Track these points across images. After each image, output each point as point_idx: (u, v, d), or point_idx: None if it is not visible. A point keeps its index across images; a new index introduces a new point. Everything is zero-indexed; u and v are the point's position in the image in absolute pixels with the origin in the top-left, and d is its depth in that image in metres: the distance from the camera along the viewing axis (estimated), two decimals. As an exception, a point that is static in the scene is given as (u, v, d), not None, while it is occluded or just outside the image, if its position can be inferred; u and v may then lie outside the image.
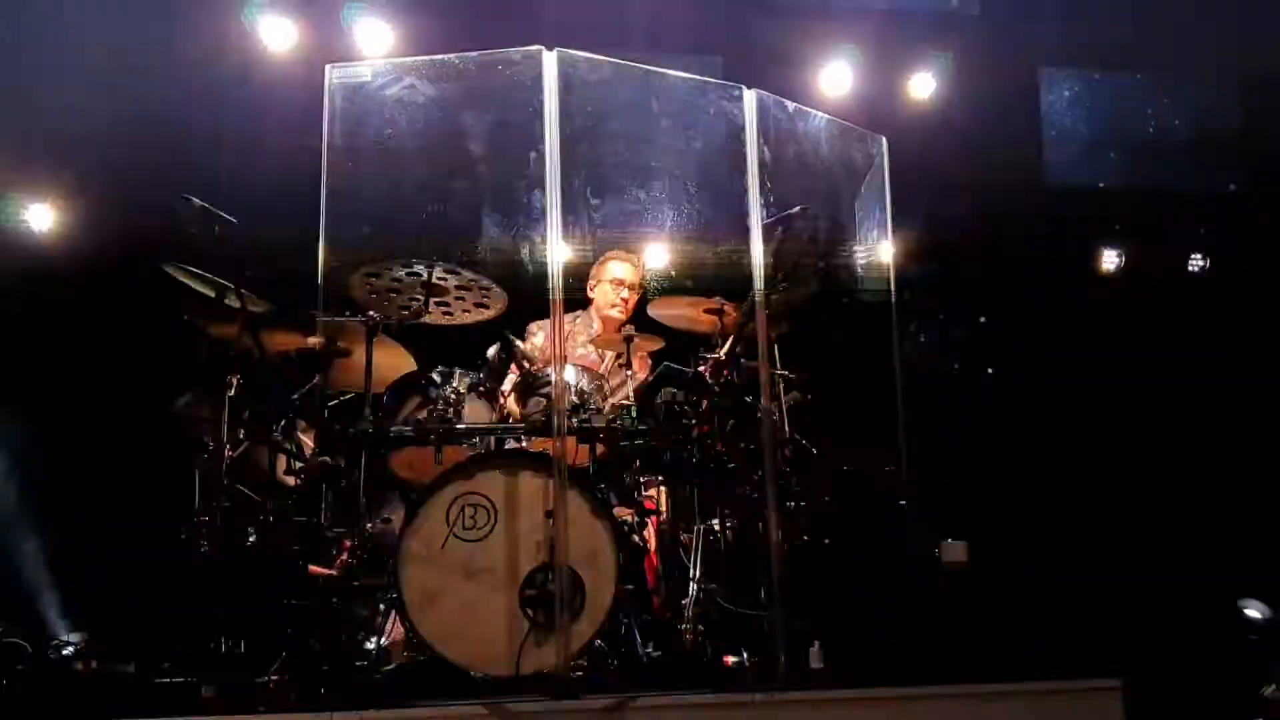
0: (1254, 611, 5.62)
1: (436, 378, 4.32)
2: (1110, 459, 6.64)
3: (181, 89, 6.19)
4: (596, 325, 5.44)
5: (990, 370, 7.29)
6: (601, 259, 5.54)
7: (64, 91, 6.09)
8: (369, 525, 4.20)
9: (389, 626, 4.06)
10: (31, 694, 3.71)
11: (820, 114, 4.74)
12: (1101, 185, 7.73)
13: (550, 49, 3.96)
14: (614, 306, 5.45)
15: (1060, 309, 7.13)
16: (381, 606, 4.06)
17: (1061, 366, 6.98)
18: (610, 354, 5.26)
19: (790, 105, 4.44)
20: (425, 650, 3.85)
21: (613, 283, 5.50)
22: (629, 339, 4.53)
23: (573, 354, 5.25)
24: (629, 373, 4.43)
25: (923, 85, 7.02)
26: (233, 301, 4.32)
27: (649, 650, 4.21)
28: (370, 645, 4.04)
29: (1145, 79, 7.77)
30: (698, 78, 4.54)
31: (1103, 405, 6.75)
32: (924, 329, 7.08)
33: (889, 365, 4.76)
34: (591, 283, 5.58)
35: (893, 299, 4.88)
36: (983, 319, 7.39)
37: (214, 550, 4.27)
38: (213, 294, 4.38)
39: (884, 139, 4.70)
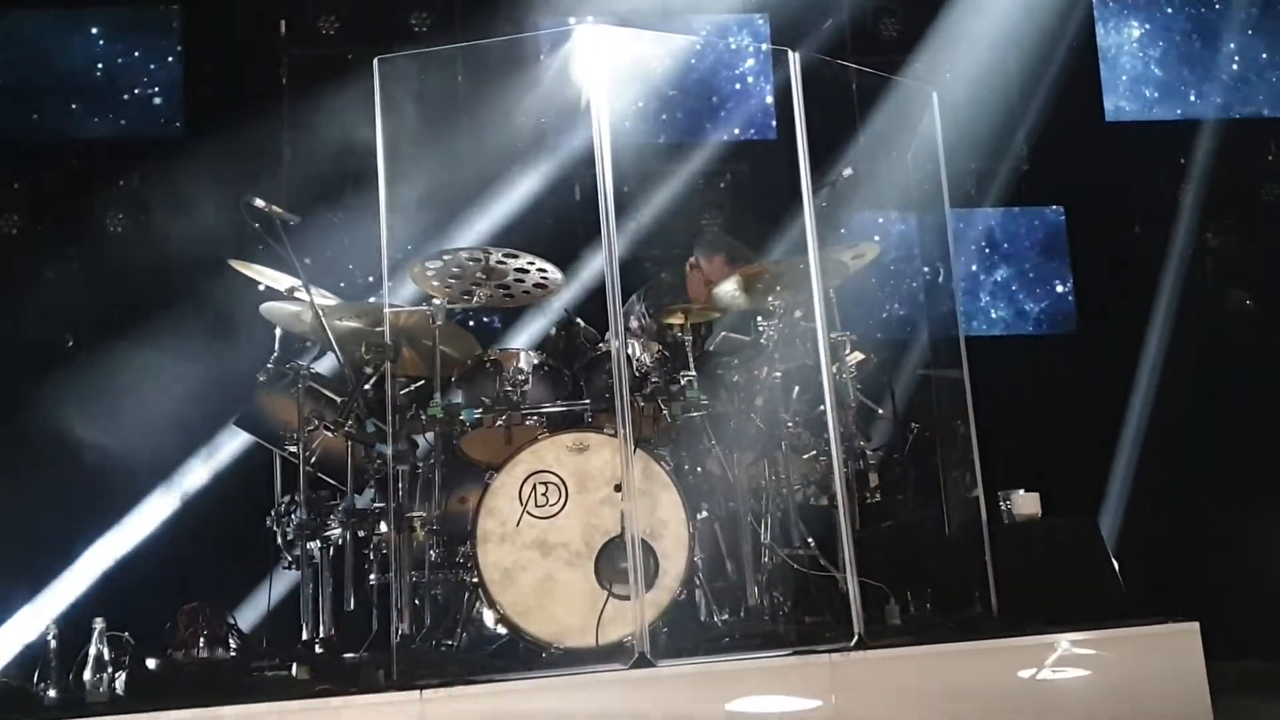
0: None
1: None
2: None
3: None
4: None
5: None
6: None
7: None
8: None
9: (470, 605, 4.17)
10: (141, 684, 3.86)
11: (867, 70, 4.69)
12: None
13: (592, 23, 3.95)
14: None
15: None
16: (463, 586, 4.18)
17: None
18: None
19: (835, 64, 4.39)
20: (506, 626, 3.96)
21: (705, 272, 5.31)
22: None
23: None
24: (687, 339, 4.46)
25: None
26: (302, 295, 4.42)
27: (725, 616, 4.28)
28: (455, 623, 4.17)
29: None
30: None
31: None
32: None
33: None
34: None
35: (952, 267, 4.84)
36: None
37: (298, 536, 4.42)
38: (282, 288, 4.50)
39: (934, 93, 4.63)
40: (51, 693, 3.65)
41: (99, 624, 3.72)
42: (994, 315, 7.19)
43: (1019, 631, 3.83)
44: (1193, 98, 7.47)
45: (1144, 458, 6.71)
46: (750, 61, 7.08)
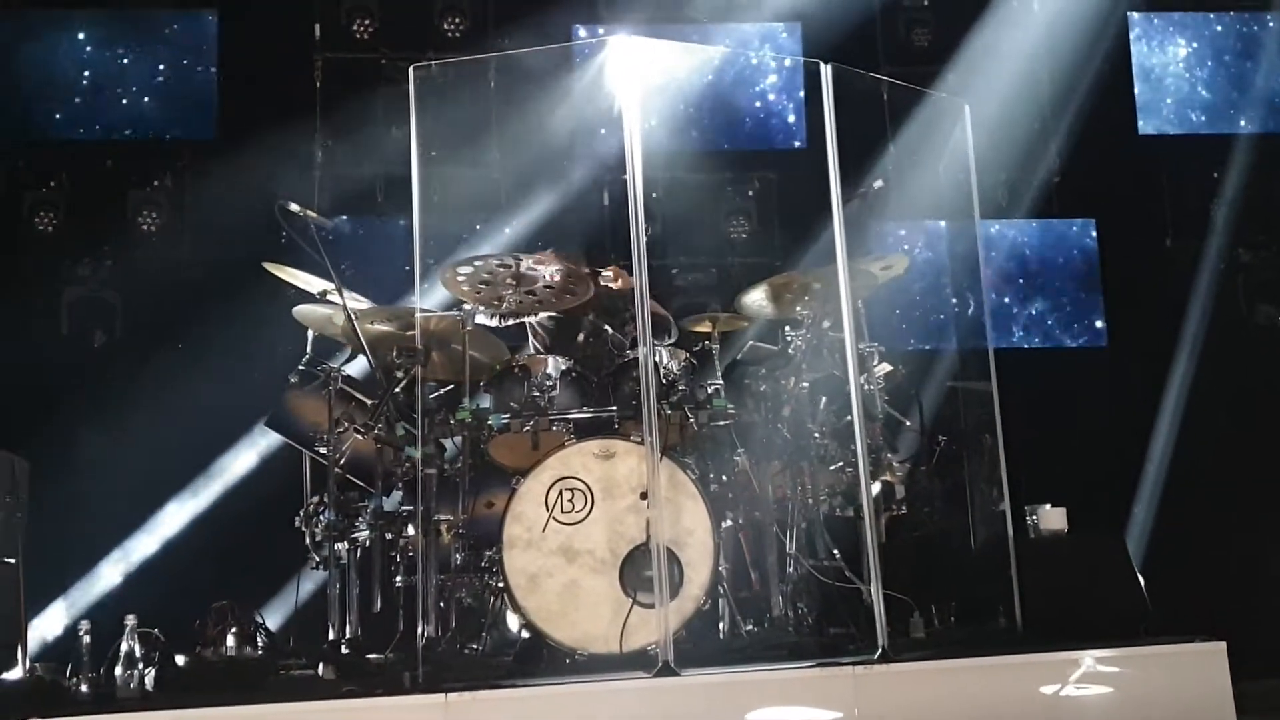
0: None
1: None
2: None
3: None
4: None
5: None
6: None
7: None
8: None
9: (495, 609, 4.20)
10: (170, 680, 3.91)
11: (900, 83, 4.69)
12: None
13: (625, 34, 3.98)
14: None
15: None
16: (488, 590, 4.21)
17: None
18: None
19: (868, 76, 4.39)
20: (531, 631, 3.99)
21: None
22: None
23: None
24: (715, 347, 4.47)
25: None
26: (334, 298, 4.46)
27: (749, 626, 4.28)
28: (480, 627, 4.19)
29: None
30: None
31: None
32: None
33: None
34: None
35: (981, 268, 4.83)
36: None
37: (326, 537, 4.46)
38: (315, 291, 4.53)
39: (966, 105, 4.62)
40: (84, 688, 3.70)
41: (131, 620, 3.76)
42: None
43: (1043, 647, 3.81)
44: (1242, 122, 7.36)
45: (1172, 473, 6.66)
46: (772, 78, 7.10)
